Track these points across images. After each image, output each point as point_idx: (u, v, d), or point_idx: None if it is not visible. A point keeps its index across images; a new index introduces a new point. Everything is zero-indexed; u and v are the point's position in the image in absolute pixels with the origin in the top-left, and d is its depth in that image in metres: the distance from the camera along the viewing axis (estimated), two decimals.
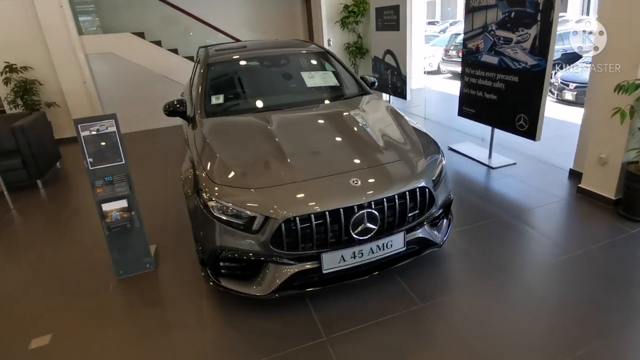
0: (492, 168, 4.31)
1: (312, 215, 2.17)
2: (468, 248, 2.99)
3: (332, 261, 2.28)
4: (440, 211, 2.71)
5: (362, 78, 3.91)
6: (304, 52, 3.95)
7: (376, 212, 2.25)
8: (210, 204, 2.32)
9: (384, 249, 2.37)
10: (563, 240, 3.01)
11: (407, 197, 2.35)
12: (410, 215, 2.41)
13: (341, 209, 2.19)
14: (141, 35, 7.77)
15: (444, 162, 2.75)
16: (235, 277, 2.42)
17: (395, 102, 6.97)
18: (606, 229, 3.09)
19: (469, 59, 4.44)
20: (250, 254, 2.28)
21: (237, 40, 7.60)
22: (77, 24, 6.59)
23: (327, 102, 3.40)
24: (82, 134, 2.79)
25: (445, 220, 2.85)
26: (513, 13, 3.73)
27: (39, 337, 2.42)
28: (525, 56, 3.69)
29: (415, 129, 2.98)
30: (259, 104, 3.35)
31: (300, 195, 2.26)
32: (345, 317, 2.38)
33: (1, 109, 6.58)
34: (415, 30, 8.67)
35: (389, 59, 6.22)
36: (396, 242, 2.40)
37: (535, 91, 3.67)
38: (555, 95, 7.48)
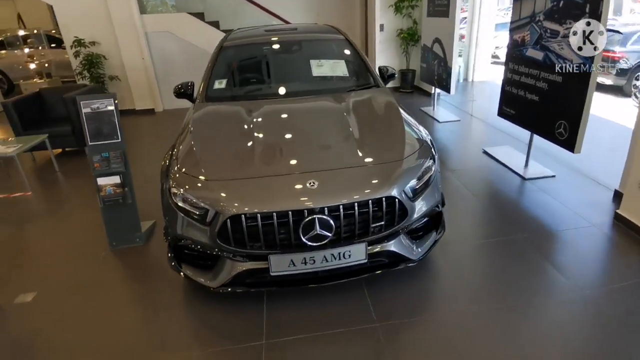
0: (525, 179, 3.80)
1: (259, 215, 2.07)
2: (461, 266, 2.69)
3: (281, 264, 2.17)
4: (424, 222, 2.46)
5: (380, 69, 3.63)
6: (322, 39, 3.76)
7: (330, 220, 2.09)
8: (173, 191, 2.32)
9: (340, 259, 2.20)
10: (577, 274, 2.55)
11: (370, 206, 2.14)
12: (374, 226, 2.20)
13: (290, 212, 2.07)
14: (201, 15, 8.07)
15: (433, 168, 2.47)
16: (194, 265, 2.43)
17: (445, 95, 6.47)
18: (636, 269, 2.56)
19: (514, 52, 3.90)
20: (204, 246, 2.26)
21: (287, 23, 7.56)
22: (139, 2, 7.00)
23: (326, 93, 3.21)
24: (84, 110, 2.96)
25: (433, 233, 2.58)
26: (562, 2, 3.16)
27: (25, 293, 2.66)
28: (571, 53, 3.13)
29: (411, 129, 2.70)
30: (258, 91, 3.28)
31: (253, 192, 2.16)
32: (294, 324, 2.27)
33: (73, 79, 7.33)
34: (484, 17, 7.95)
35: (436, 48, 5.73)
36: (356, 253, 2.21)
37: (578, 95, 3.11)
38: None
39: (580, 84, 3.08)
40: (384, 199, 2.16)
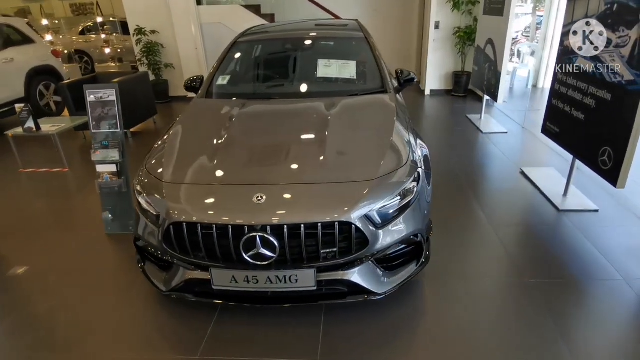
0: (560, 210, 3.24)
1: (199, 225, 1.96)
2: (451, 309, 2.33)
3: (223, 279, 2.05)
4: (400, 251, 2.18)
5: (398, 72, 3.31)
6: (337, 37, 3.52)
7: (273, 239, 1.91)
8: (137, 189, 2.30)
9: (286, 282, 2.02)
10: (589, 345, 2.09)
11: (320, 230, 1.92)
12: (326, 251, 1.98)
13: (230, 226, 1.92)
14: (257, 7, 8.17)
15: (414, 191, 2.16)
16: (155, 265, 2.40)
17: (503, 105, 5.81)
18: None
19: (564, 59, 3.32)
20: (156, 249, 2.21)
21: (338, 18, 7.33)
22: None
23: (325, 97, 2.96)
24: (89, 98, 3.07)
25: (412, 265, 2.28)
26: (616, 5, 2.58)
27: (16, 266, 2.86)
28: (623, 67, 2.55)
29: (401, 144, 2.39)
30: (256, 90, 3.16)
31: (200, 200, 2.06)
32: (234, 343, 2.14)
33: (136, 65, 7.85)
34: (554, 16, 7.02)
35: (488, 50, 5.14)
36: (304, 279, 2.01)
37: (626, 118, 2.54)
38: None
39: (630, 105, 2.51)
40: (337, 224, 1.93)
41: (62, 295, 2.57)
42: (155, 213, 2.13)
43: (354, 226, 1.95)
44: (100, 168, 3.12)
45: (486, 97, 5.49)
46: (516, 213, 3.34)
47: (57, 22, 11.83)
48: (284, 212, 1.95)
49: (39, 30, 9.33)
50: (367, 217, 2.00)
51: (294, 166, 2.22)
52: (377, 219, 2.05)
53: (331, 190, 2.06)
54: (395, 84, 3.29)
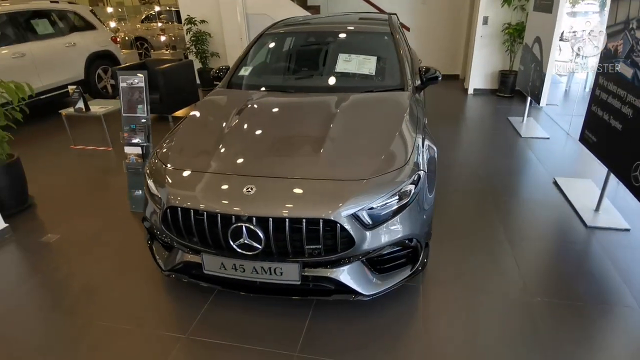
0: (587, 227, 3.00)
1: (192, 211, 2.05)
2: (437, 314, 2.28)
3: (213, 264, 2.14)
4: (393, 253, 2.16)
5: (421, 70, 3.22)
6: (363, 31, 3.47)
7: (258, 231, 1.96)
8: (147, 171, 2.45)
9: (271, 274, 2.07)
10: None
11: (304, 226, 1.94)
12: (311, 247, 2.00)
13: (218, 214, 2.00)
14: None
15: (411, 193, 2.11)
16: (161, 245, 2.55)
17: (550, 106, 5.41)
18: None
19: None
20: (157, 230, 2.34)
21: (382, 12, 7.17)
22: None
23: (340, 92, 2.95)
24: (121, 84, 3.29)
25: (406, 270, 2.25)
26: None
27: (50, 234, 3.16)
28: None
29: (404, 146, 2.33)
30: (272, 82, 3.23)
31: (197, 187, 2.15)
32: (222, 327, 2.24)
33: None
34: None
35: (536, 49, 4.80)
36: (288, 272, 2.06)
37: None
38: None
39: None
40: (321, 221, 1.94)
41: (80, 264, 2.81)
42: (159, 196, 2.26)
43: (339, 225, 1.94)
44: (127, 150, 3.35)
45: (530, 99, 5.15)
46: (538, 226, 3.13)
47: (120, 10, 12.63)
48: (270, 205, 1.99)
49: (105, 18, 10.05)
50: (356, 217, 1.99)
51: (289, 160, 2.25)
52: (367, 220, 2.03)
53: (322, 187, 2.06)
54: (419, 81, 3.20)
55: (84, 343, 2.16)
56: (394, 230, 2.10)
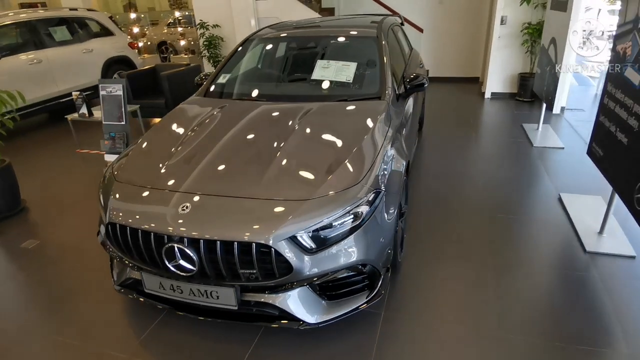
0: (586, 252, 2.67)
1: (128, 229, 1.97)
2: (397, 347, 2.08)
3: (152, 284, 2.05)
4: (345, 280, 1.99)
5: (405, 77, 3.01)
6: (345, 35, 3.28)
7: (191, 252, 1.84)
8: (100, 183, 2.39)
9: (207, 297, 1.95)
10: None
11: (236, 249, 1.80)
12: (247, 272, 1.86)
13: (152, 233, 1.90)
14: (319, 0, 8.10)
15: (363, 215, 1.93)
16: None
17: (572, 112, 4.97)
18: None
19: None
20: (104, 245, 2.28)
21: (395, 13, 6.90)
22: None
23: (309, 101, 2.78)
24: (101, 92, 3.29)
25: (362, 297, 2.06)
26: None
27: (31, 239, 3.20)
28: None
29: (361, 161, 2.14)
30: (244, 91, 3.13)
31: (133, 203, 2.07)
32: (167, 346, 2.15)
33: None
34: None
35: (551, 51, 4.42)
36: (224, 297, 1.93)
37: None
38: None
39: None
40: (254, 244, 1.79)
41: (52, 272, 2.81)
42: (105, 209, 2.20)
43: (273, 250, 1.79)
44: (107, 157, 3.35)
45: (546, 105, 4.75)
46: (531, 250, 2.82)
47: (142, 15, 13.02)
48: (203, 225, 1.87)
49: (128, 24, 10.35)
50: (295, 240, 1.83)
51: (234, 177, 2.12)
52: (309, 243, 1.87)
53: (260, 207, 1.92)
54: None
55: (27, 357, 2.12)
56: (345, 255, 1.93)
